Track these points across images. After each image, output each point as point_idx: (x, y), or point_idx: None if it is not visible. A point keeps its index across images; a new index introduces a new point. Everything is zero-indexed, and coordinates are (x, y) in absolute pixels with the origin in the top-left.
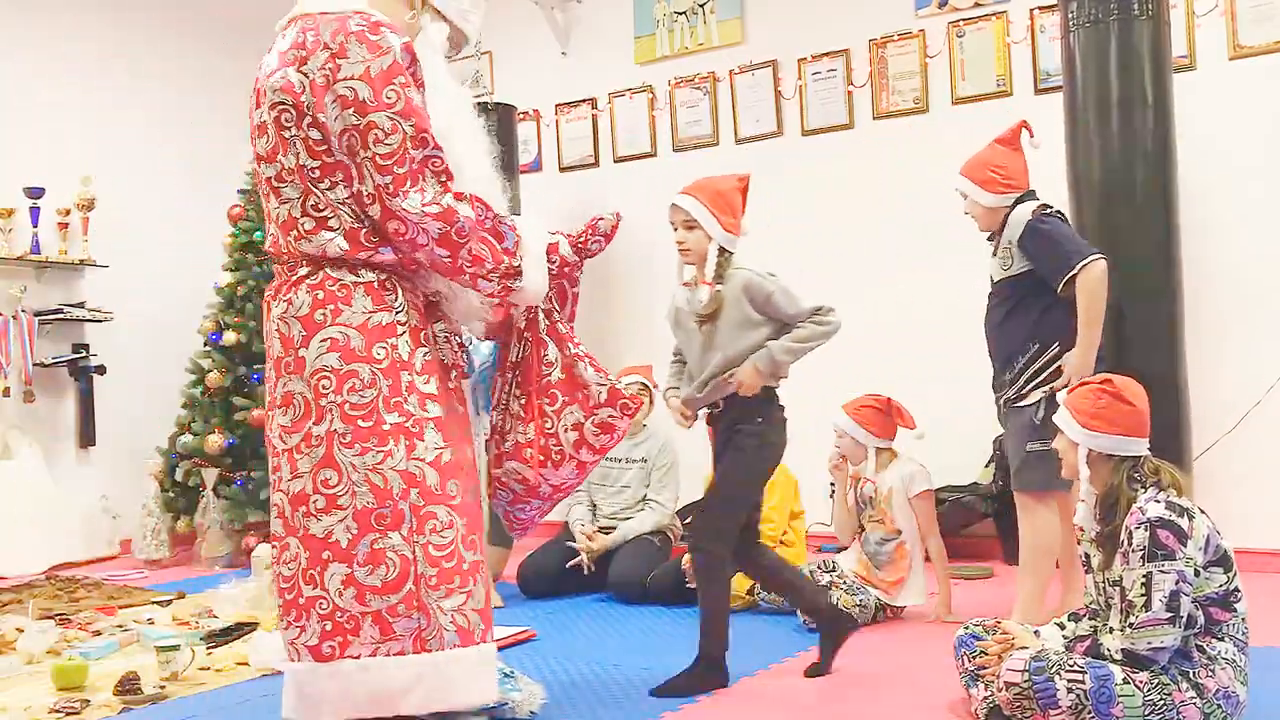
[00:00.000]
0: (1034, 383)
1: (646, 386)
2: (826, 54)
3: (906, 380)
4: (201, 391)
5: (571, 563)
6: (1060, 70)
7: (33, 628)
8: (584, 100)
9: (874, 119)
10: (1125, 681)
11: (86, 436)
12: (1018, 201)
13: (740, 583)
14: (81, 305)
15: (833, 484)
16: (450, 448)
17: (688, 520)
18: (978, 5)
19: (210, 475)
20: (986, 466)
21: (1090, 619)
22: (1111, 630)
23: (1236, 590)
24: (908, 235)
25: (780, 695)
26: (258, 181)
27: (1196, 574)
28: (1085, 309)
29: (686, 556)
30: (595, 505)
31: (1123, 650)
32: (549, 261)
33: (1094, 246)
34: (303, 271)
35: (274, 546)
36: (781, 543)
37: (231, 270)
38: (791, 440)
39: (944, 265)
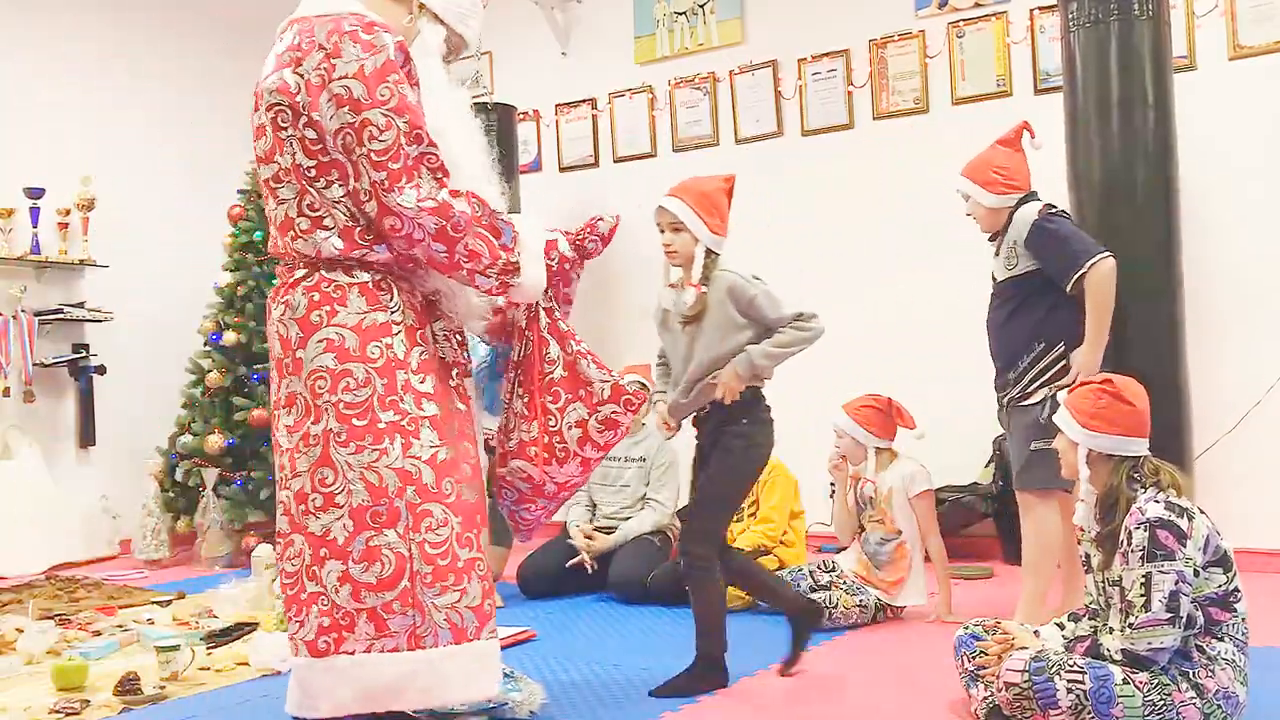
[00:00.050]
0: (1039, 382)
1: (645, 386)
2: (826, 54)
3: (906, 380)
4: (201, 391)
5: (572, 562)
6: (1060, 70)
7: (33, 628)
8: (584, 100)
9: (874, 119)
10: (1125, 682)
11: (86, 436)
12: (1020, 202)
13: None
14: (81, 305)
15: (833, 484)
16: (447, 445)
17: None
18: (978, 5)
19: (210, 475)
20: (986, 466)
21: (1090, 619)
22: (1111, 630)
23: (1236, 590)
24: (908, 235)
25: (780, 695)
26: (258, 184)
27: (1196, 574)
28: (1095, 307)
29: None
30: (595, 505)
31: (1122, 650)
32: (548, 258)
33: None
34: (300, 273)
35: (280, 543)
36: (781, 543)
37: (231, 270)
38: (791, 440)
39: (944, 265)
